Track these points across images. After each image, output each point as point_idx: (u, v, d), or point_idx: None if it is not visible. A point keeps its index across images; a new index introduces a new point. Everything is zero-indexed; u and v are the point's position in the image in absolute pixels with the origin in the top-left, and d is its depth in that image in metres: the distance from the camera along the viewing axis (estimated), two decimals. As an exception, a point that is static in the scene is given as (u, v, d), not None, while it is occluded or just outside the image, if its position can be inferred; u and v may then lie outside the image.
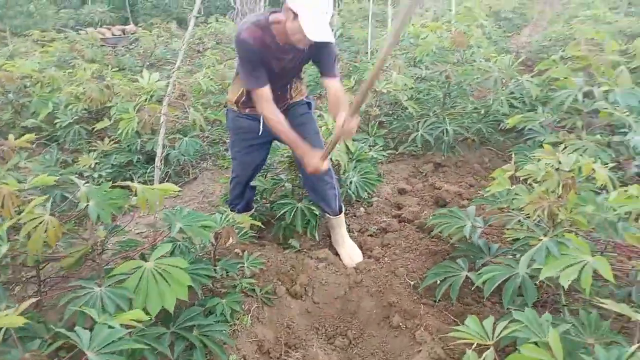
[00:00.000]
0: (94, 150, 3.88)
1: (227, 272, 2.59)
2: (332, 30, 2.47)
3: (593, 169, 2.39)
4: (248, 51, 2.42)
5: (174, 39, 9.44)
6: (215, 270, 2.43)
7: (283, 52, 2.50)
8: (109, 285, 1.98)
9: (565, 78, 3.90)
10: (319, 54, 2.59)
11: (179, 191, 3.88)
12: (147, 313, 1.89)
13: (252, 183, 3.07)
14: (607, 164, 2.80)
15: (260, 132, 2.82)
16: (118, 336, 1.61)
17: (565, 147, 3.20)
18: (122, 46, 9.20)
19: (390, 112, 5.05)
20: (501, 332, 1.82)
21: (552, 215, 2.25)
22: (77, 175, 2.76)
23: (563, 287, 1.97)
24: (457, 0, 11.22)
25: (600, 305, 1.77)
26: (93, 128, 4.37)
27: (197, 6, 2.98)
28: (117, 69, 6.52)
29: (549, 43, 7.88)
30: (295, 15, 2.24)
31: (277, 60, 2.53)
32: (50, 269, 2.54)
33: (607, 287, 2.35)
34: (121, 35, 10.27)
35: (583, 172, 2.37)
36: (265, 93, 2.50)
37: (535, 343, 1.72)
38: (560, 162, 2.45)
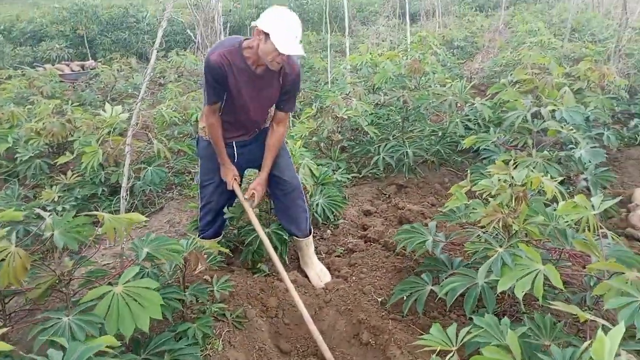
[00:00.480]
0: (57, 184, 3.85)
1: (197, 299, 2.61)
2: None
3: (542, 182, 2.55)
4: (213, 72, 2.52)
5: (134, 73, 9.45)
6: (185, 295, 2.45)
7: (255, 77, 2.60)
8: (77, 313, 1.97)
9: (515, 100, 4.13)
10: (287, 91, 2.74)
11: (146, 221, 3.88)
12: (121, 337, 1.90)
13: (225, 212, 3.10)
14: (555, 178, 2.98)
15: (236, 159, 2.89)
16: (92, 353, 1.62)
17: (516, 164, 3.37)
18: (82, 81, 9.12)
19: (352, 137, 5.19)
20: (464, 337, 1.91)
21: (506, 226, 2.38)
22: (40, 209, 2.74)
23: (518, 296, 2.09)
24: (412, 30, 11.68)
25: (553, 307, 1.88)
26: (55, 162, 4.33)
27: (159, 39, 3.04)
28: (78, 104, 6.46)
29: (499, 68, 8.26)
30: (267, 36, 2.36)
31: (249, 85, 2.61)
32: (15, 305, 2.50)
33: (563, 294, 2.48)
34: (80, 71, 10.19)
35: (533, 185, 2.51)
36: (214, 108, 2.68)
37: (497, 346, 1.82)
38: (512, 177, 2.59)
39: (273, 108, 2.90)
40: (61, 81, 8.55)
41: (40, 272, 2.26)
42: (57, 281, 2.22)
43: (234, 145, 2.88)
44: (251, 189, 2.88)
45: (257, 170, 3.06)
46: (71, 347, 1.64)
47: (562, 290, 2.52)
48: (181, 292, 2.40)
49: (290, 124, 5.78)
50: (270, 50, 2.38)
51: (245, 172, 3.24)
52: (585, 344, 1.64)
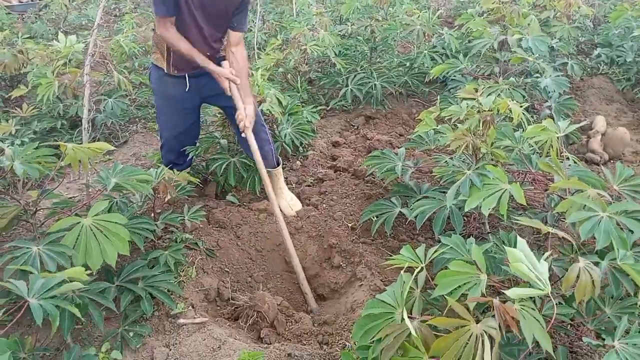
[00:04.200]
0: (13, 117, 3.67)
1: (167, 228, 2.60)
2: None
3: (509, 106, 2.58)
4: None
5: (88, 4, 8.90)
6: (156, 224, 2.44)
7: None
8: (47, 244, 1.94)
9: (483, 28, 4.10)
10: (239, 6, 2.61)
11: (111, 152, 3.79)
12: (88, 269, 1.88)
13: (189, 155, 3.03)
14: (521, 103, 3.03)
15: (188, 88, 2.71)
16: (55, 283, 1.62)
17: (483, 90, 3.40)
18: (31, 13, 8.55)
19: (319, 69, 5.10)
20: (432, 255, 1.98)
21: (475, 150, 2.42)
22: (-3, 142, 2.63)
23: (486, 216, 2.16)
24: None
25: (516, 226, 1.96)
26: (9, 96, 4.12)
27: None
28: (28, 36, 6.08)
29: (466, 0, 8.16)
30: None
31: (200, 5, 2.49)
32: (-22, 238, 2.45)
33: (525, 215, 2.58)
34: (29, 2, 9.55)
35: (500, 109, 2.54)
36: (170, 21, 2.48)
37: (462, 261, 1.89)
38: (480, 103, 2.61)
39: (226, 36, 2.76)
40: (8, 13, 8.00)
41: (4, 204, 2.20)
42: (22, 212, 2.17)
43: (186, 77, 2.70)
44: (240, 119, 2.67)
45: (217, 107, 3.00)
46: (32, 279, 1.64)
47: (524, 210, 2.63)
48: (152, 222, 2.38)
49: (256, 57, 5.63)
50: None
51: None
52: (546, 254, 1.72)
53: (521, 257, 1.47)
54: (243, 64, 2.72)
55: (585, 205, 1.92)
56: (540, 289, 1.40)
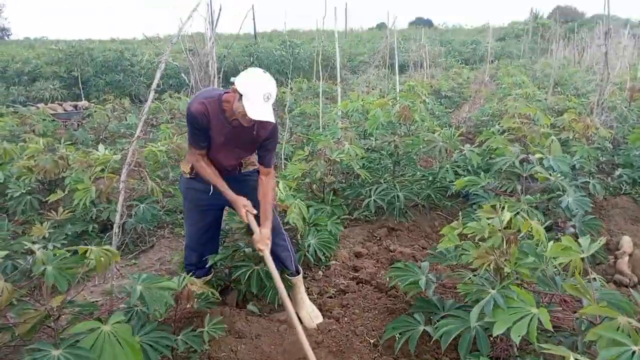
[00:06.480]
0: (47, 220, 3.81)
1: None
2: (286, 105, 2.69)
3: (531, 226, 2.58)
4: (193, 122, 2.64)
5: (128, 114, 9.52)
6: (176, 341, 2.41)
7: (229, 128, 2.69)
8: (67, 347, 1.94)
9: (505, 147, 4.24)
10: (263, 147, 2.83)
11: (137, 256, 3.85)
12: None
13: (209, 261, 3.11)
14: (543, 223, 3.03)
15: (211, 193, 2.88)
16: None
17: (504, 208, 3.43)
18: (75, 121, 9.16)
19: (344, 180, 5.25)
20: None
21: (498, 269, 2.41)
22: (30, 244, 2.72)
23: (517, 343, 2.09)
24: (401, 80, 12.00)
25: (545, 350, 1.89)
26: (46, 200, 4.31)
27: (157, 79, 3.13)
28: (70, 142, 6.47)
29: (486, 118, 8.48)
30: (241, 96, 2.46)
31: (222, 134, 2.70)
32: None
33: (555, 337, 2.49)
34: (73, 111, 10.25)
35: (522, 229, 2.55)
36: (202, 153, 2.76)
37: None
38: (500, 221, 2.63)
39: (253, 157, 3.01)
40: (53, 120, 8.58)
41: (28, 308, 2.23)
42: (45, 317, 2.19)
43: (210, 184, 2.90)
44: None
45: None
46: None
47: (553, 333, 2.54)
48: (171, 337, 2.37)
49: (282, 166, 5.85)
50: (241, 110, 2.48)
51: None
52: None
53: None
54: (267, 191, 2.85)
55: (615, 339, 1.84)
56: None
